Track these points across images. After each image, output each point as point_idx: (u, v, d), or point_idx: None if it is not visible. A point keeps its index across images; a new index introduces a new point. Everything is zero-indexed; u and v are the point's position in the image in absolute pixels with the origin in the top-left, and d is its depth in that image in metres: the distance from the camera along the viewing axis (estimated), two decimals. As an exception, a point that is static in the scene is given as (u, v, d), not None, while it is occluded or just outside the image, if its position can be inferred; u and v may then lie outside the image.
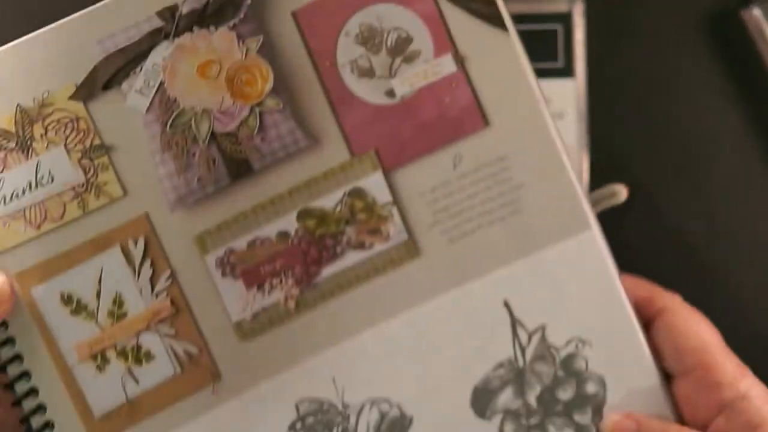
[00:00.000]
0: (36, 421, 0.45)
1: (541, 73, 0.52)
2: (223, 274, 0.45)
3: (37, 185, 0.43)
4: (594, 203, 0.46)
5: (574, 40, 0.55)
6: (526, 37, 0.48)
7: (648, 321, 0.44)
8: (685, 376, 0.42)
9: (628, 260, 0.48)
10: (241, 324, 0.45)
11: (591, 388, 0.48)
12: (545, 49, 0.55)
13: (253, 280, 0.45)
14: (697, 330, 0.42)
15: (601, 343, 0.48)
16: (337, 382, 0.46)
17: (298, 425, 0.46)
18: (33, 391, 0.45)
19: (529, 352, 0.48)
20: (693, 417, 0.43)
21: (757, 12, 0.55)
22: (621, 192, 0.45)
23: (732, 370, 0.41)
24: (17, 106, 0.43)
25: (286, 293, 0.45)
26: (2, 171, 0.43)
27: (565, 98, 0.56)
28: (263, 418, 0.46)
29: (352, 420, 0.47)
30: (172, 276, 0.45)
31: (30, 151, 0.43)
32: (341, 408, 0.46)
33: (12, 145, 0.43)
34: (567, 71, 0.56)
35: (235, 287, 0.45)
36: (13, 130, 0.43)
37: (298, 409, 0.46)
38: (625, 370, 0.48)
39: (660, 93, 0.55)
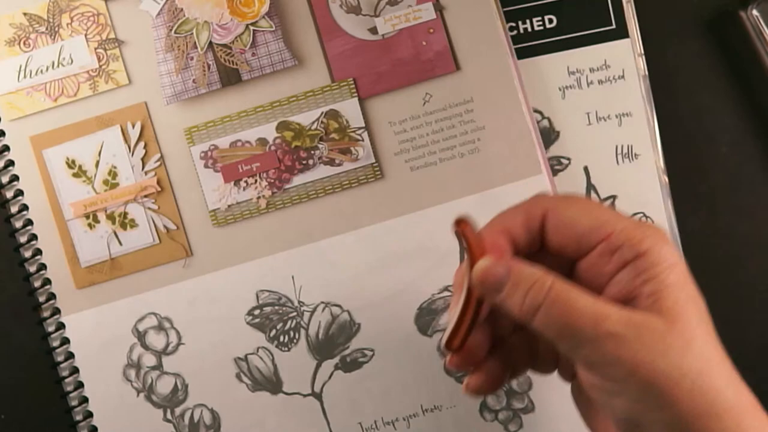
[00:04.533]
0: (32, 264, 0.52)
1: (597, 38, 0.56)
2: (206, 166, 0.50)
3: (58, 65, 0.50)
4: None
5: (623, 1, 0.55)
6: (577, 5, 0.53)
7: (538, 229, 0.40)
8: (588, 254, 0.39)
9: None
10: (216, 212, 0.51)
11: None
12: (597, 15, 0.55)
13: (232, 175, 0.50)
14: (586, 211, 0.40)
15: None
16: (295, 280, 0.51)
17: (257, 311, 0.51)
18: (33, 237, 0.51)
19: (474, 279, 0.52)
20: (597, 284, 0.39)
21: (756, 12, 0.55)
22: None
23: (630, 233, 0.38)
24: (51, -3, 0.51)
25: (259, 192, 0.51)
26: (31, 50, 0.50)
27: (623, 59, 0.55)
28: (227, 297, 0.51)
29: (306, 316, 0.51)
30: (161, 159, 0.50)
31: (56, 36, 0.50)
32: (297, 304, 0.51)
33: (42, 29, 0.50)
34: (620, 33, 0.55)
35: (215, 179, 0.50)
36: (45, 16, 0.50)
37: (258, 297, 0.51)
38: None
39: (660, 92, 0.55)
